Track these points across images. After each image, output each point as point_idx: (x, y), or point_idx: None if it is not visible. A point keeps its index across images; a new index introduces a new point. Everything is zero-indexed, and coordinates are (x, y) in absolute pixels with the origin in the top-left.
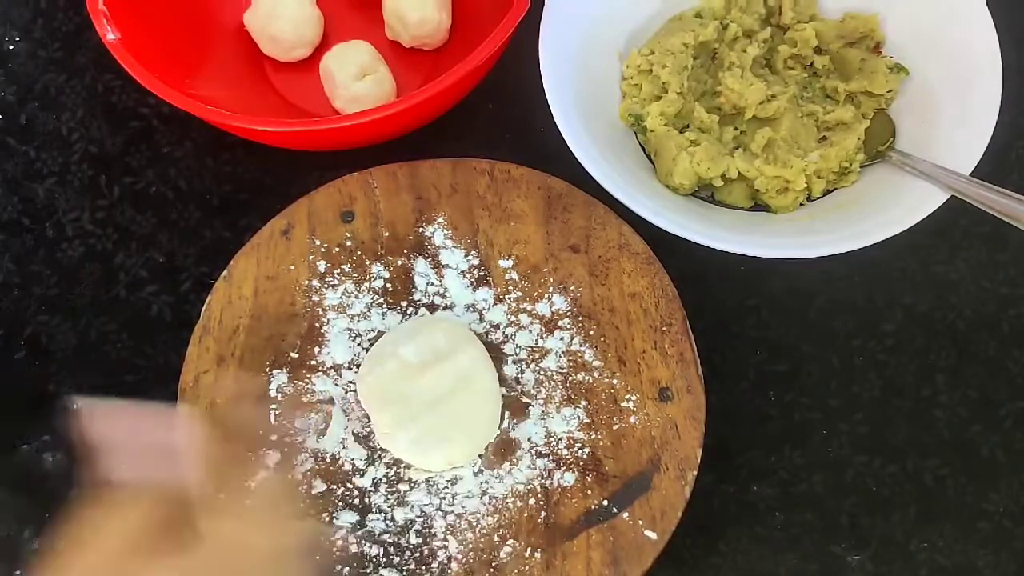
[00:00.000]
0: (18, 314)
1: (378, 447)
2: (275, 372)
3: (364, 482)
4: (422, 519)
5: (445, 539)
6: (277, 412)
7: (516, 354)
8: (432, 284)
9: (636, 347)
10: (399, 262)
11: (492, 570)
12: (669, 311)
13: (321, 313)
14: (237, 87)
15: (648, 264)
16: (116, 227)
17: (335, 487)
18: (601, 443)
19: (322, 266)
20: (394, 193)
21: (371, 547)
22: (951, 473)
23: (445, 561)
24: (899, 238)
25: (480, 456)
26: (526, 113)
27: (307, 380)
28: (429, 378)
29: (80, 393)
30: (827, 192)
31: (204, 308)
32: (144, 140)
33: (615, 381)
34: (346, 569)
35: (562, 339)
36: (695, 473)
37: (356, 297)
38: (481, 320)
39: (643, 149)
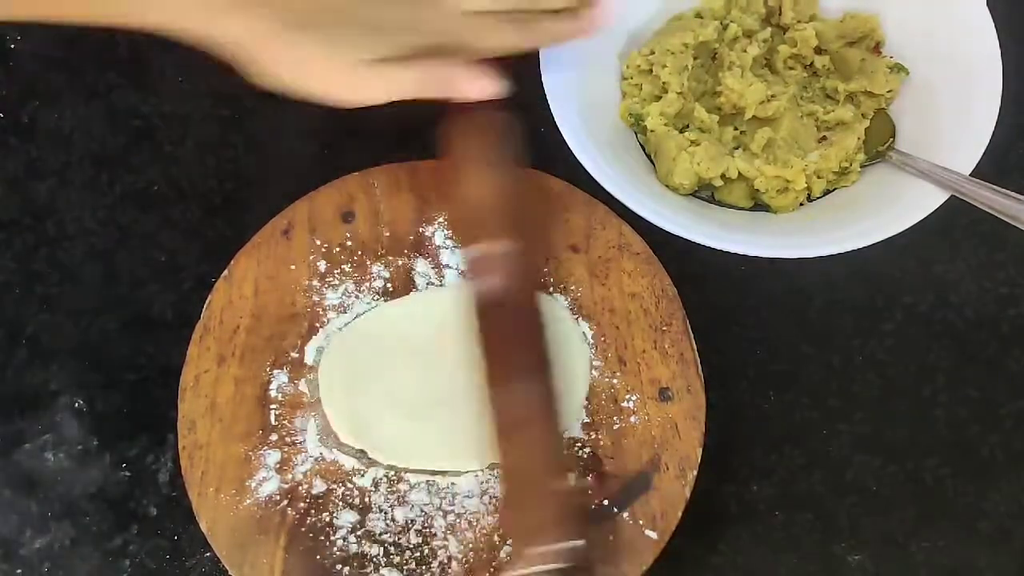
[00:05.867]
0: (19, 313)
1: None
2: (275, 372)
3: (364, 482)
4: (422, 519)
5: (445, 539)
6: (277, 412)
7: None
8: (432, 284)
9: (636, 347)
10: (399, 262)
11: (492, 570)
12: (669, 311)
13: (321, 313)
14: None
15: (648, 264)
16: (117, 226)
17: (335, 487)
18: (601, 443)
19: (322, 266)
20: (395, 193)
21: (371, 547)
22: (951, 473)
23: (445, 561)
24: (899, 238)
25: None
26: (526, 113)
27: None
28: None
29: (81, 392)
30: (827, 192)
31: (205, 307)
32: (145, 139)
33: (615, 381)
34: (346, 569)
35: None
36: (695, 473)
37: (356, 297)
38: None
39: (643, 149)
